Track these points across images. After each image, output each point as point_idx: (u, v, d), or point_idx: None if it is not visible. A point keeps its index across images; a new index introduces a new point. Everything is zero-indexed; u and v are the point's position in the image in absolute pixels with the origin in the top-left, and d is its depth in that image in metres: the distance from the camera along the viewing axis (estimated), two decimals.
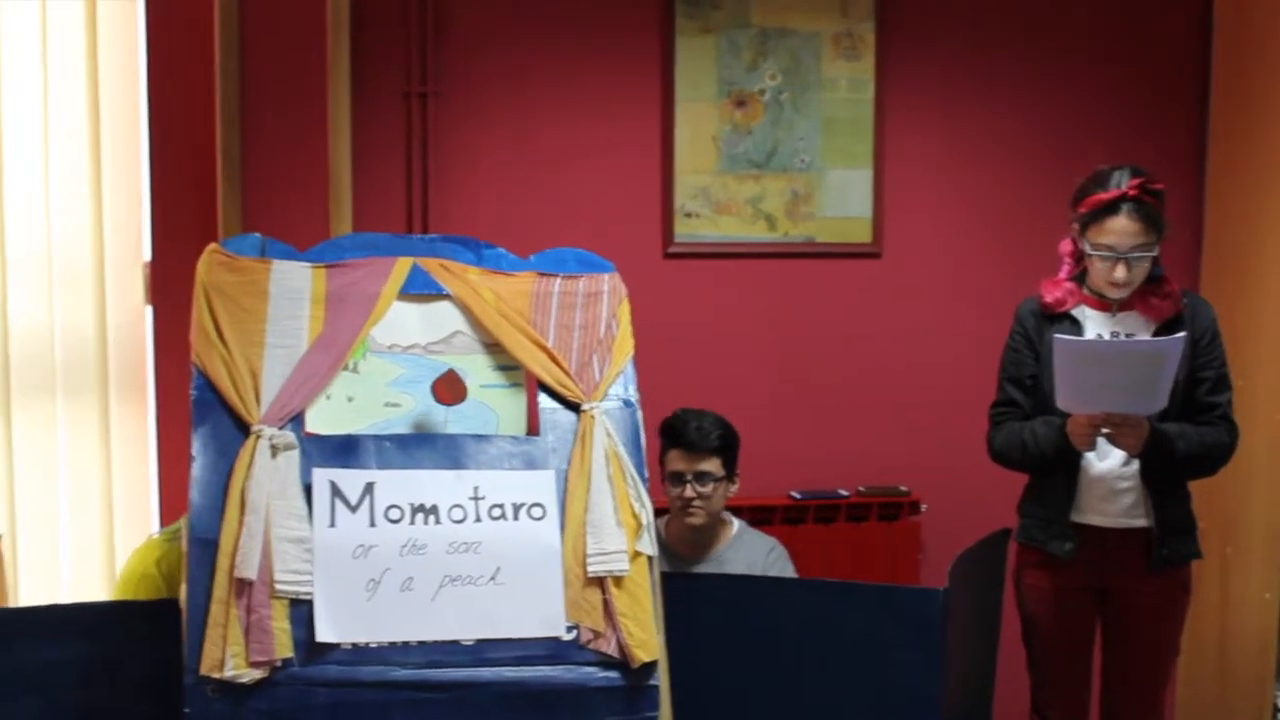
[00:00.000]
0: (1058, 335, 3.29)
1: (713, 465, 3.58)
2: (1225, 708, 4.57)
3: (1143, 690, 3.58)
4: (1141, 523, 3.47)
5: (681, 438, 3.58)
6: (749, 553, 3.63)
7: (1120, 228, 3.34)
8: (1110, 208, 3.34)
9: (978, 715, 3.46)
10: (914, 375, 4.61)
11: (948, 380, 4.58)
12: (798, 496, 4.44)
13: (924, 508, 4.50)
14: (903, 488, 4.53)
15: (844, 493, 4.49)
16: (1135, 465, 3.44)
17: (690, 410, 3.65)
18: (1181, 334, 3.31)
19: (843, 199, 4.49)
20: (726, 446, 3.62)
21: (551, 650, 2.55)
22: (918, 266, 4.59)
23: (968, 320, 4.56)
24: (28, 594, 3.85)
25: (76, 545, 3.91)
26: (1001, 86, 4.61)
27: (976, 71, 4.59)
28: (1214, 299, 3.75)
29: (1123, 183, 3.34)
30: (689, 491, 3.56)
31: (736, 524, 3.73)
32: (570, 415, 2.77)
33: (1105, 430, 3.34)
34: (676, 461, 3.58)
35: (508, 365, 2.84)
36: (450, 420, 2.77)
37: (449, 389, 2.79)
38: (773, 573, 3.60)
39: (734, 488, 3.67)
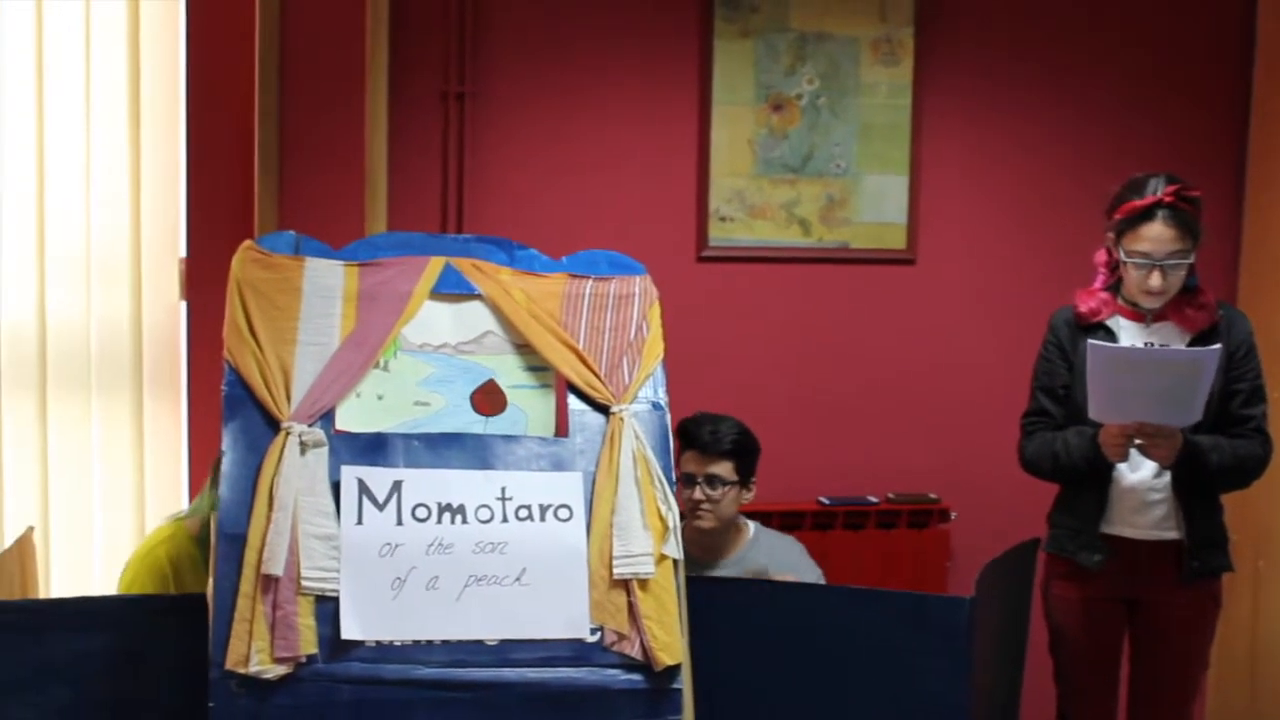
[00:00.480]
0: (1092, 341, 3.27)
1: (724, 469, 3.56)
2: None
3: (1171, 704, 3.55)
4: (1173, 535, 3.44)
5: (695, 439, 3.57)
6: (767, 555, 3.62)
7: (1155, 234, 3.32)
8: (1145, 214, 3.33)
9: None
10: (946, 382, 4.59)
11: (980, 388, 4.56)
12: (827, 502, 4.43)
13: (954, 516, 4.49)
14: (932, 495, 4.51)
15: (873, 499, 4.48)
16: (1167, 477, 3.42)
17: (709, 414, 3.63)
18: (1217, 345, 3.28)
19: (878, 205, 4.49)
20: (741, 451, 3.59)
21: (575, 652, 2.54)
22: (952, 273, 4.57)
23: (1001, 328, 4.54)
24: (59, 587, 3.88)
25: (109, 539, 3.94)
26: (1039, 94, 4.59)
27: (1015, 79, 4.57)
28: (1251, 311, 3.73)
29: (1158, 189, 3.33)
30: (698, 494, 3.54)
31: (752, 528, 3.70)
32: (599, 417, 2.76)
33: (1138, 441, 3.32)
34: (689, 463, 3.57)
35: (538, 366, 2.83)
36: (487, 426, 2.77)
37: (488, 400, 2.78)
38: (801, 568, 3.59)
39: (749, 495, 3.64)
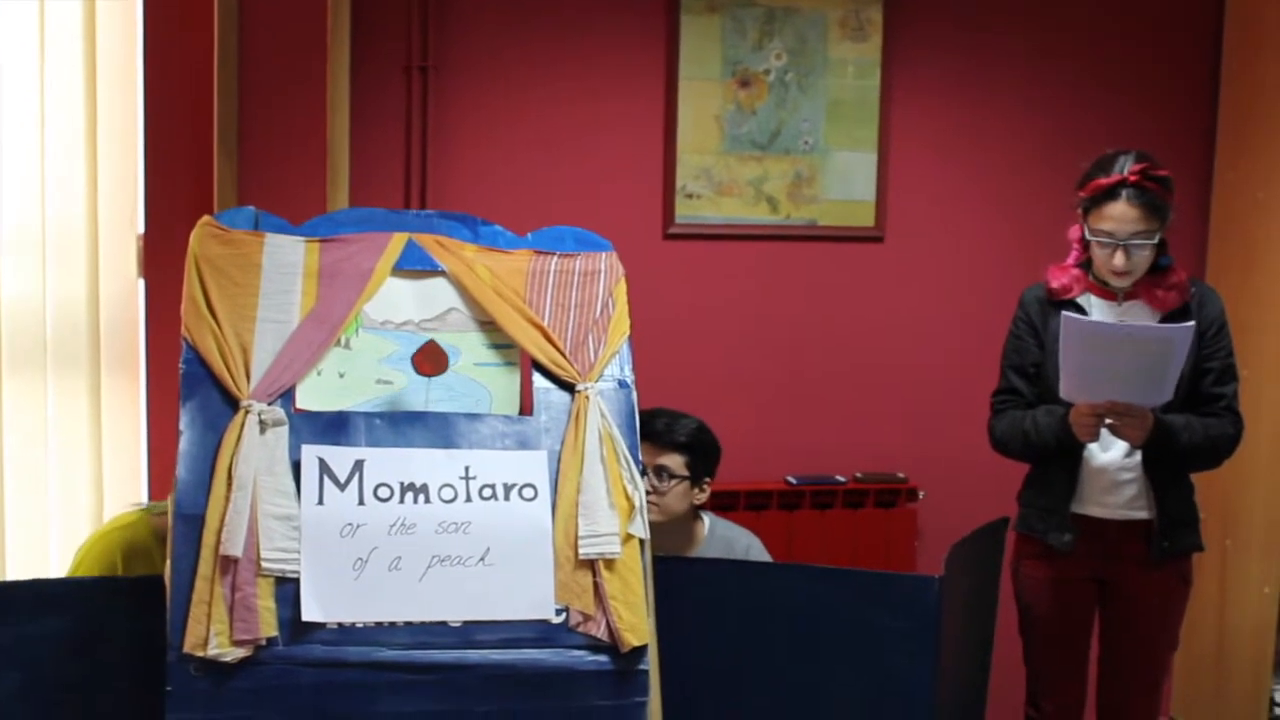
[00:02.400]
0: (1066, 314, 3.25)
1: (674, 461, 3.50)
2: (1222, 701, 4.55)
3: (1141, 683, 3.56)
4: (1143, 514, 3.44)
5: (648, 429, 3.49)
6: (723, 555, 3.54)
7: (1119, 214, 3.30)
8: (1110, 193, 3.31)
9: (972, 705, 3.43)
10: (914, 361, 4.58)
11: (948, 367, 4.55)
12: (794, 482, 4.42)
13: (922, 495, 4.48)
14: (900, 475, 4.50)
15: (841, 479, 4.47)
16: (1138, 456, 3.41)
17: (669, 409, 3.58)
18: (1191, 323, 3.27)
19: (846, 182, 4.46)
20: (695, 447, 3.53)
21: (540, 633, 2.51)
22: (920, 251, 4.55)
23: (970, 306, 4.53)
24: (15, 570, 3.81)
25: (65, 521, 3.88)
26: (1009, 70, 4.57)
27: (984, 55, 4.55)
28: (1220, 287, 3.73)
29: (1125, 168, 3.30)
30: (645, 485, 3.45)
31: (707, 525, 3.63)
32: (564, 395, 2.72)
33: (1108, 421, 3.30)
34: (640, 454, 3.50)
35: (502, 344, 2.79)
36: (432, 395, 2.72)
37: (429, 360, 2.74)
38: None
39: (700, 495, 3.57)
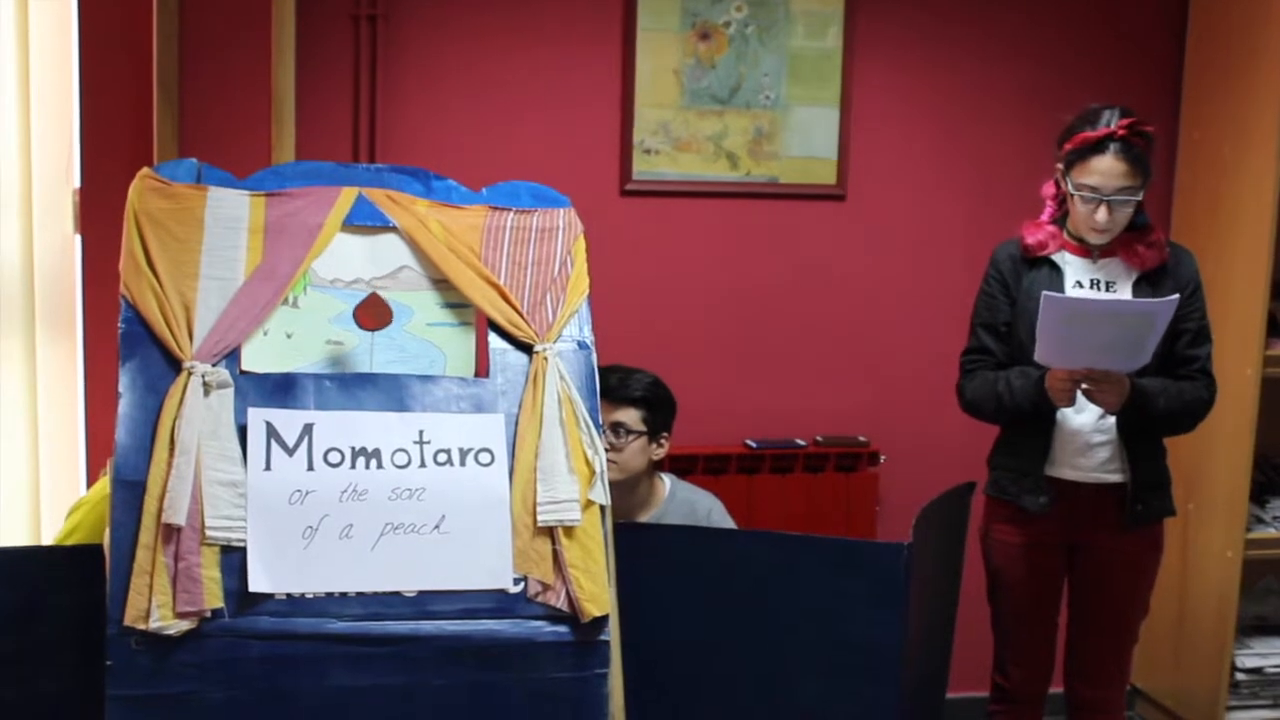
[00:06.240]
0: (1046, 293, 3.19)
1: (629, 416, 3.46)
2: (1183, 666, 4.55)
3: (1109, 649, 3.54)
4: (1116, 478, 3.41)
5: (601, 386, 3.43)
6: (684, 517, 3.50)
7: (1106, 168, 3.25)
8: (1097, 146, 3.25)
9: (937, 673, 3.39)
10: (876, 322, 4.53)
11: (910, 328, 4.51)
12: (754, 445, 4.36)
13: (883, 459, 4.43)
14: (861, 438, 4.45)
15: (801, 442, 4.41)
16: (1112, 420, 3.38)
17: (622, 365, 3.53)
18: (1175, 296, 3.23)
19: (807, 138, 4.38)
20: (650, 401, 3.50)
21: (498, 603, 2.44)
22: (883, 209, 4.49)
23: (932, 266, 4.48)
24: None
25: (1, 486, 3.77)
26: (974, 26, 4.51)
27: (948, 10, 4.49)
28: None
29: (1112, 122, 3.25)
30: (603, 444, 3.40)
31: (668, 485, 3.60)
32: (522, 356, 2.65)
33: (1084, 386, 3.25)
34: None
35: (457, 303, 2.71)
36: (376, 353, 2.62)
37: (371, 313, 2.65)
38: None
39: (659, 451, 3.53)
